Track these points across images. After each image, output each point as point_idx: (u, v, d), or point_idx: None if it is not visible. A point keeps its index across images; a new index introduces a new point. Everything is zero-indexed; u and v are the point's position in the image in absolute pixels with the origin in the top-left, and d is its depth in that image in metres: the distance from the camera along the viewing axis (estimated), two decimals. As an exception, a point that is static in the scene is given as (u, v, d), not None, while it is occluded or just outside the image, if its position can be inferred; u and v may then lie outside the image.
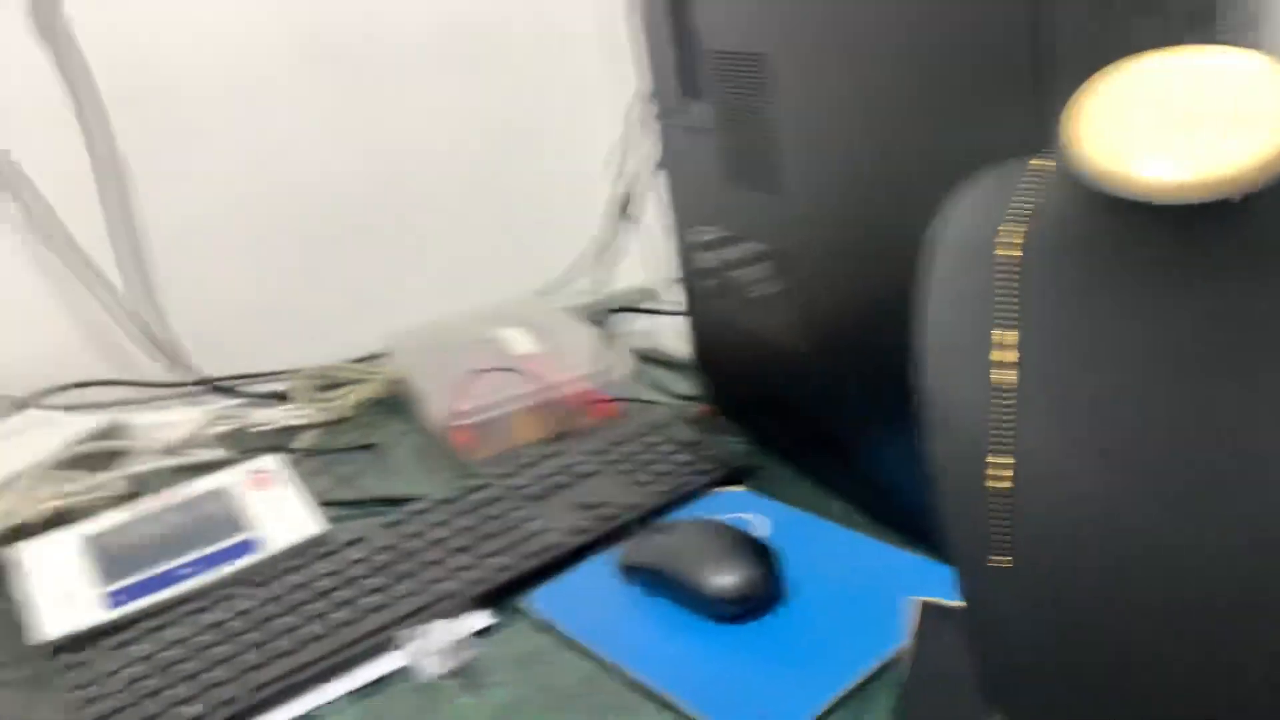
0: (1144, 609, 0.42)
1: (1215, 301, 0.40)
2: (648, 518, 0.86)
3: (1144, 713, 0.44)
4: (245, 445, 1.10)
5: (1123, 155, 0.40)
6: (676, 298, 1.05)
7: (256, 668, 0.73)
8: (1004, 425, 0.45)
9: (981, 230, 0.48)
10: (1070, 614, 0.44)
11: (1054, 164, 0.45)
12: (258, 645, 0.75)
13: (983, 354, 0.46)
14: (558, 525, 0.86)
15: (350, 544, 0.86)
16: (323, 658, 0.74)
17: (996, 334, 0.46)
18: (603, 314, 1.31)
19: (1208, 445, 0.40)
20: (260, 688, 0.72)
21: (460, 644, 0.73)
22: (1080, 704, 0.46)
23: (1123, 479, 0.42)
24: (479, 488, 0.92)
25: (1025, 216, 0.46)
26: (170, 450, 1.09)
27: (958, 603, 0.50)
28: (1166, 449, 0.41)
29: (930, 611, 0.67)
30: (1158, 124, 0.41)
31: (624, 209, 1.33)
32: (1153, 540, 0.41)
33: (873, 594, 0.74)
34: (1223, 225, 0.39)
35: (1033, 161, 0.48)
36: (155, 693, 0.72)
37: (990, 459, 0.45)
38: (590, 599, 0.78)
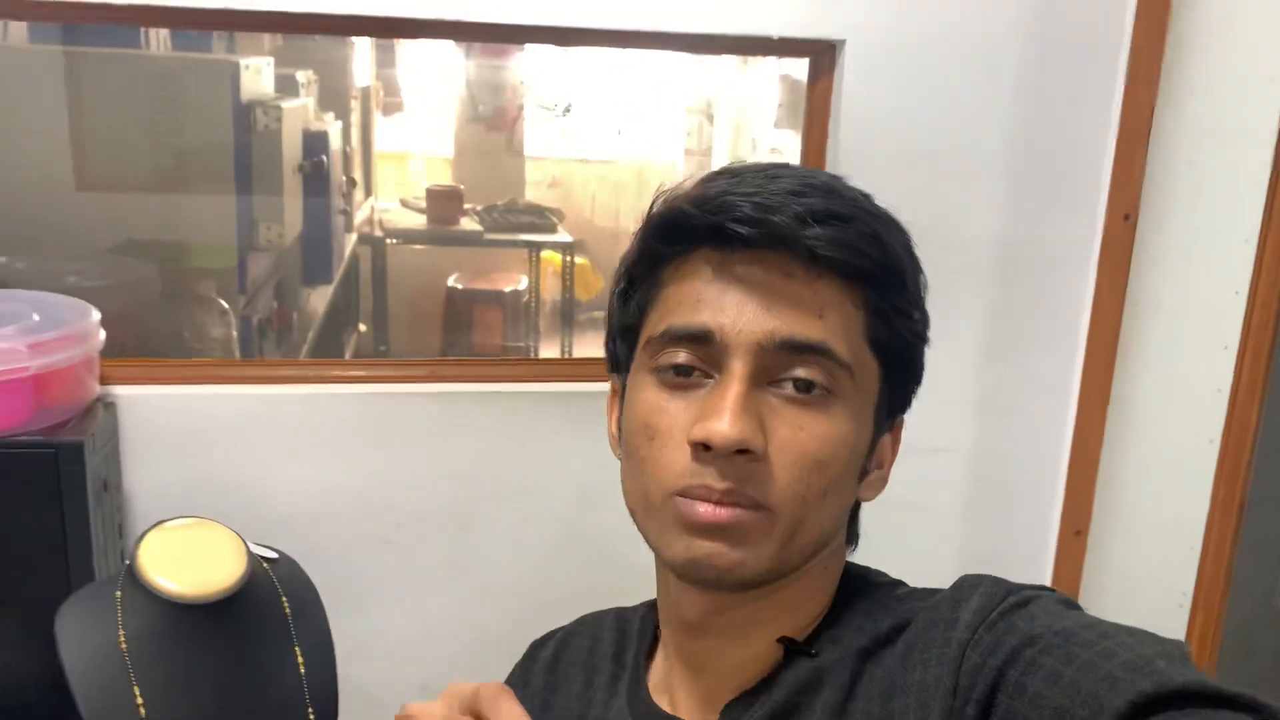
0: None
1: (228, 643, 0.92)
2: None
3: None
4: None
5: (163, 576, 0.90)
6: None
7: None
8: None
9: (98, 633, 0.90)
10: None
11: (124, 585, 0.90)
12: None
13: (130, 703, 0.87)
14: None
15: None
16: None
17: (135, 689, 0.88)
18: None
19: (239, 713, 0.93)
20: None
21: None
22: None
23: None
24: None
25: (124, 621, 0.89)
26: None
27: None
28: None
29: None
30: (170, 558, 0.92)
31: None
32: None
33: None
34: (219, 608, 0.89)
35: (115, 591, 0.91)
36: None
37: None
38: None
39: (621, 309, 0.72)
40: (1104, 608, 1.55)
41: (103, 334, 1.17)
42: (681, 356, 0.65)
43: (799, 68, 1.51)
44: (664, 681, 0.74)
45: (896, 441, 0.73)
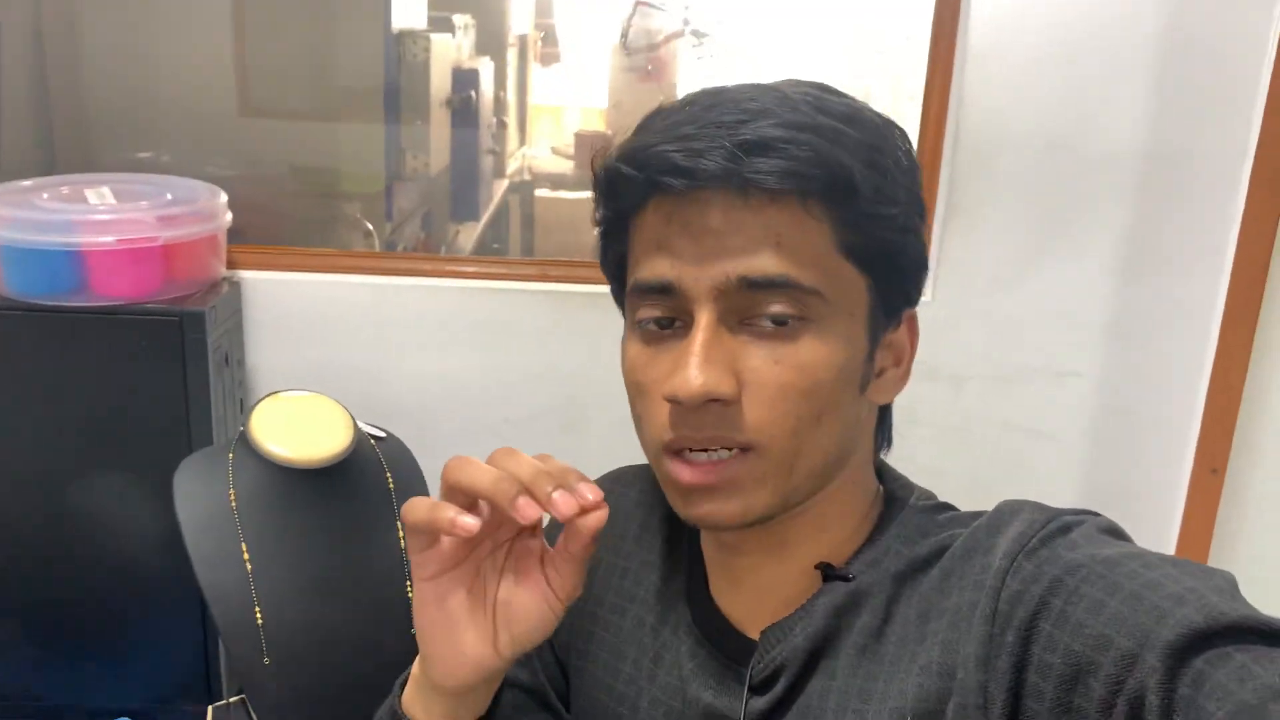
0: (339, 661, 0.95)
1: (332, 511, 0.99)
2: None
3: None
4: None
5: (272, 441, 0.96)
6: None
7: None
8: (254, 589, 0.95)
9: (213, 489, 0.97)
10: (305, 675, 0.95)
11: (237, 449, 0.98)
12: None
13: (237, 556, 0.95)
14: None
15: None
16: None
17: (242, 545, 0.95)
18: None
19: (339, 578, 0.98)
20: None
21: None
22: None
23: (311, 602, 0.96)
24: None
25: (234, 481, 0.97)
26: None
27: (234, 699, 1.01)
28: (325, 582, 0.97)
29: (219, 712, 1.01)
30: (280, 425, 0.98)
31: None
32: (327, 625, 0.96)
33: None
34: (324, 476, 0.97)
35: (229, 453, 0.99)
36: None
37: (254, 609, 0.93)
38: None
39: (604, 266, 0.71)
40: (1237, 553, 1.45)
41: (229, 215, 1.22)
42: (656, 310, 0.64)
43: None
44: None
45: (914, 334, 0.70)
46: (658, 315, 0.64)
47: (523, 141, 3.80)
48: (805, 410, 0.62)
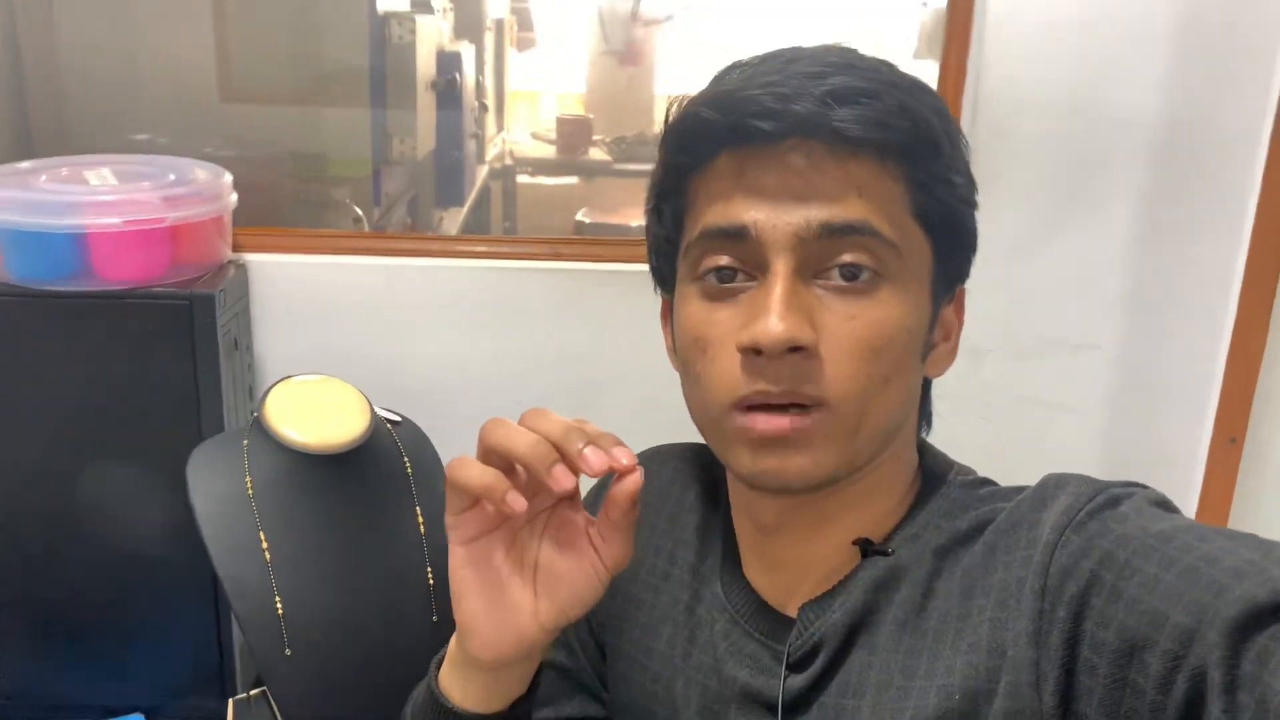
0: (360, 649, 0.94)
1: (350, 497, 0.96)
2: None
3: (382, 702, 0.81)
4: None
5: (289, 427, 0.95)
6: None
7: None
8: (273, 579, 0.92)
9: (229, 476, 0.95)
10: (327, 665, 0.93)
11: (252, 435, 0.96)
12: None
13: (255, 546, 0.92)
14: None
15: None
16: None
17: (260, 534, 0.93)
18: None
19: (359, 565, 0.96)
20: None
21: None
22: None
23: (331, 590, 0.94)
24: None
25: (250, 468, 0.95)
26: None
27: (255, 691, 1.02)
28: (344, 570, 0.95)
29: (240, 705, 1.01)
30: (296, 410, 0.96)
31: None
32: (348, 614, 0.95)
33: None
34: (341, 462, 0.95)
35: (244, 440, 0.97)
36: None
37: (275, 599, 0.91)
38: None
39: (657, 224, 0.70)
40: (1256, 524, 1.45)
41: (235, 196, 1.18)
42: (723, 259, 0.63)
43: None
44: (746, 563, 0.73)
45: (960, 311, 0.70)
46: (722, 264, 0.63)
47: (500, 127, 3.77)
48: (875, 370, 0.61)
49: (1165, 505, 0.60)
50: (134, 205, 1.06)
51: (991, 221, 1.32)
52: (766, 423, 0.61)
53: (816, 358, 0.60)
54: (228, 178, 1.17)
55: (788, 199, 0.61)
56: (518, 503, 0.57)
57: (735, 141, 0.62)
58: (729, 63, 0.66)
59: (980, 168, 1.28)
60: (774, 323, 0.59)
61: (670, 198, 0.68)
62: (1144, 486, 0.61)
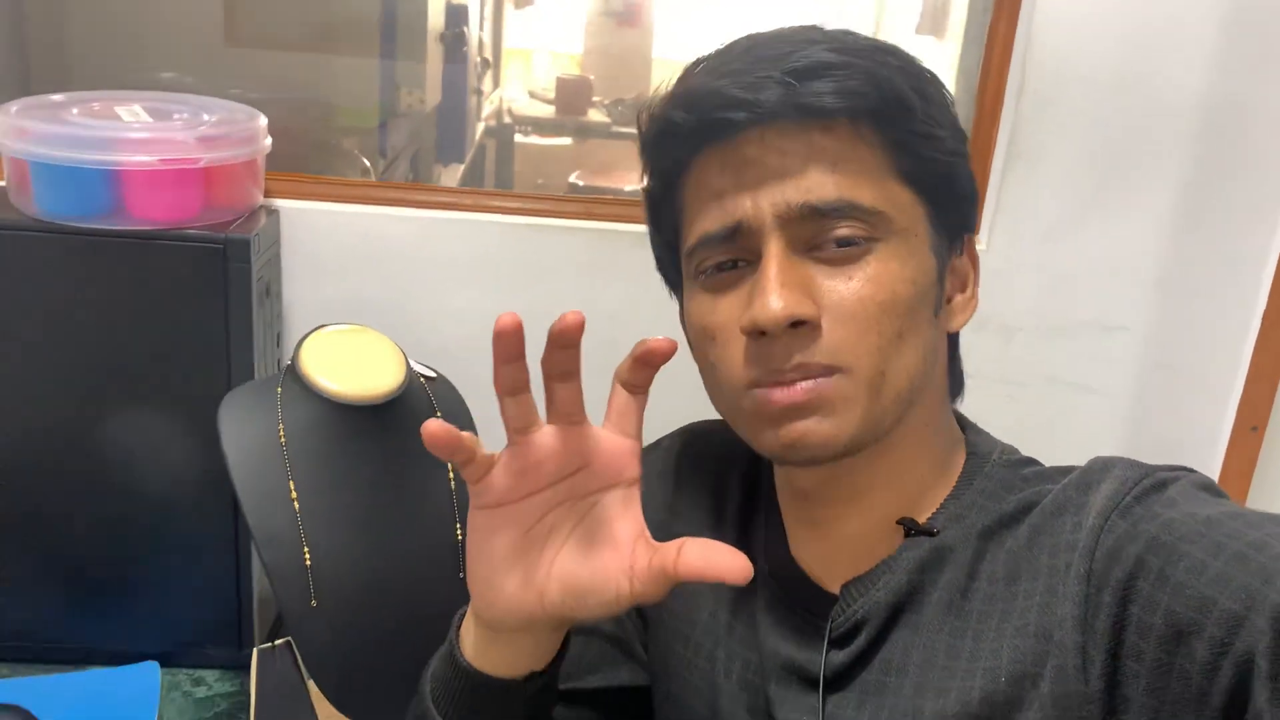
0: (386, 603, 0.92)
1: (382, 450, 0.94)
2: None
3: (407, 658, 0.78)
4: None
5: (324, 376, 0.93)
6: None
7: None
8: (302, 529, 0.90)
9: (261, 424, 0.92)
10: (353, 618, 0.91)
11: (285, 383, 0.95)
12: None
13: (285, 495, 0.90)
14: None
15: None
16: None
17: (290, 484, 0.91)
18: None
19: (388, 520, 0.94)
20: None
21: None
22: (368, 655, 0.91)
23: (360, 544, 0.92)
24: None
25: (283, 416, 0.94)
26: None
27: (279, 641, 0.96)
28: (374, 523, 0.94)
29: (264, 655, 0.96)
30: (331, 359, 0.95)
31: None
32: (375, 567, 0.93)
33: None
34: (375, 414, 0.94)
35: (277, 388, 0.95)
36: None
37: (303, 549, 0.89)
38: None
39: (657, 233, 0.71)
40: (1274, 512, 1.45)
41: (269, 140, 1.16)
42: (721, 256, 0.63)
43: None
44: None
45: (974, 260, 0.70)
46: (722, 260, 0.63)
47: (497, 84, 3.73)
48: (886, 327, 0.61)
49: (1212, 490, 0.59)
50: (169, 144, 1.03)
51: (1031, 200, 1.33)
52: (783, 393, 0.61)
53: (820, 329, 0.60)
54: (263, 120, 1.15)
55: (767, 182, 0.61)
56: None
57: (710, 137, 0.63)
58: (692, 59, 0.66)
59: (1023, 143, 1.29)
60: (772, 301, 0.59)
61: (664, 206, 0.68)
62: (1190, 470, 0.61)
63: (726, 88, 0.60)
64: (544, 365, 0.55)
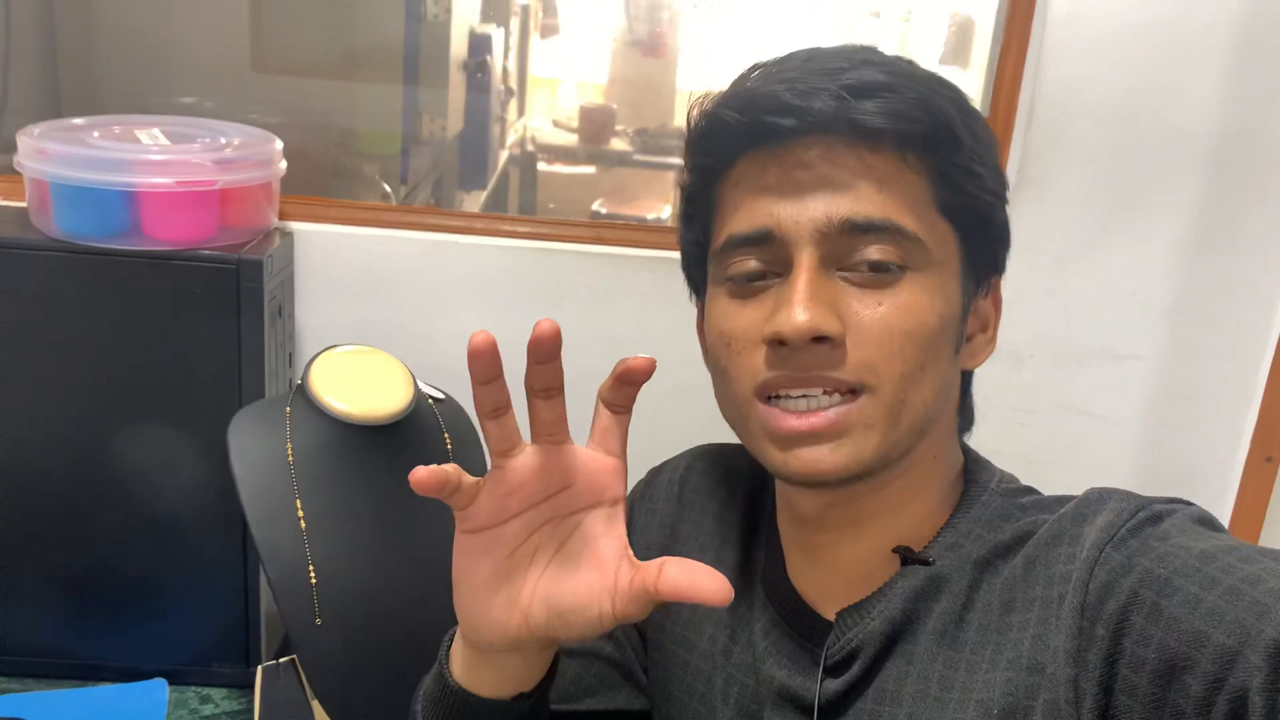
0: (391, 622, 0.92)
1: (389, 470, 0.93)
2: None
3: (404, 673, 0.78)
4: None
5: (333, 396, 0.94)
6: None
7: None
8: (307, 547, 0.90)
9: (270, 442, 0.93)
10: (357, 636, 0.91)
11: (294, 402, 0.96)
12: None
13: (291, 513, 0.90)
14: None
15: None
16: None
17: (297, 502, 0.91)
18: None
19: (393, 539, 0.94)
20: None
21: None
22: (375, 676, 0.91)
23: (365, 563, 0.92)
24: None
25: (291, 435, 0.93)
26: None
27: (284, 659, 0.97)
28: (379, 542, 0.94)
29: (269, 673, 0.97)
30: (340, 380, 0.96)
31: None
32: (380, 586, 0.93)
33: None
34: (383, 434, 0.94)
35: (286, 406, 0.95)
36: None
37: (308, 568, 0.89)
38: None
39: (687, 230, 0.70)
40: (1290, 543, 1.44)
41: (284, 163, 1.17)
42: (750, 264, 0.63)
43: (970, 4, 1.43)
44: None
45: (998, 304, 0.70)
46: (750, 268, 0.63)
47: (521, 113, 3.76)
48: (911, 355, 0.61)
49: (1209, 523, 0.59)
50: (186, 166, 1.05)
51: (1041, 227, 1.33)
52: (799, 421, 0.60)
53: (843, 348, 0.60)
54: (278, 144, 1.16)
55: (809, 194, 0.61)
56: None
57: (757, 141, 0.62)
58: (750, 64, 0.66)
59: (1034, 170, 1.29)
60: (798, 313, 0.59)
61: (698, 203, 0.68)
62: (1187, 503, 0.60)
63: (780, 93, 0.60)
64: (526, 382, 0.55)
